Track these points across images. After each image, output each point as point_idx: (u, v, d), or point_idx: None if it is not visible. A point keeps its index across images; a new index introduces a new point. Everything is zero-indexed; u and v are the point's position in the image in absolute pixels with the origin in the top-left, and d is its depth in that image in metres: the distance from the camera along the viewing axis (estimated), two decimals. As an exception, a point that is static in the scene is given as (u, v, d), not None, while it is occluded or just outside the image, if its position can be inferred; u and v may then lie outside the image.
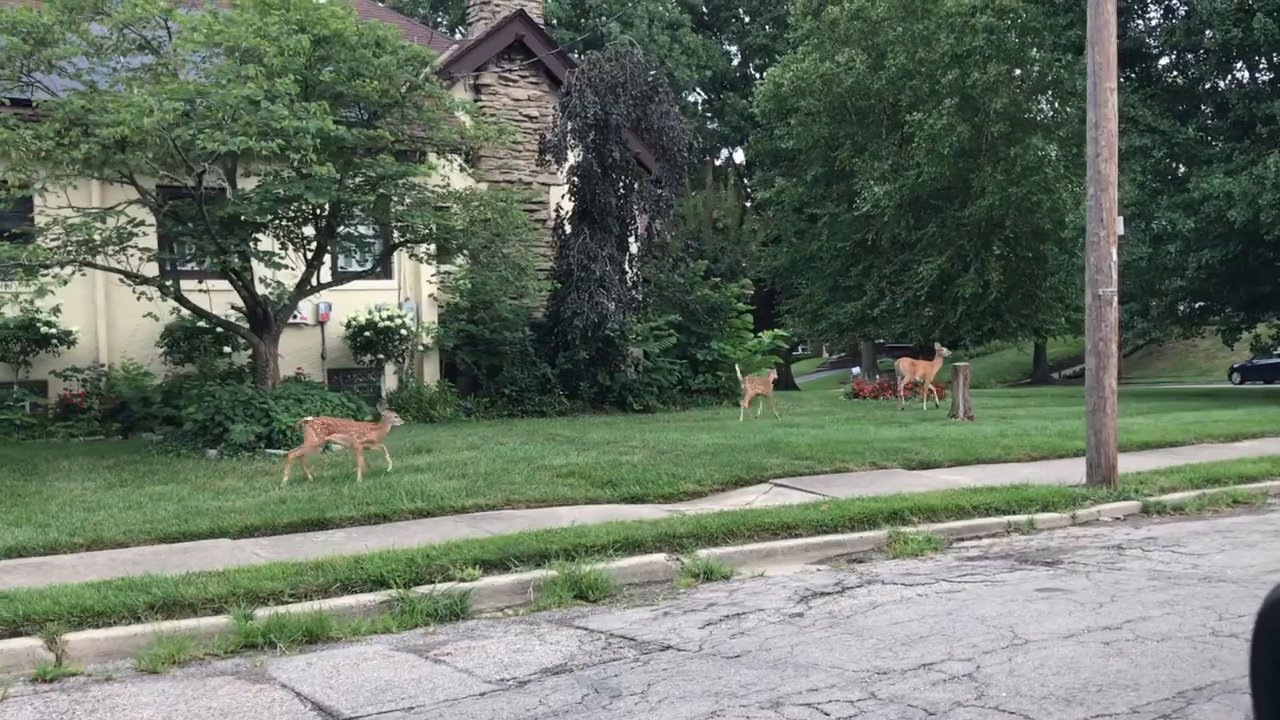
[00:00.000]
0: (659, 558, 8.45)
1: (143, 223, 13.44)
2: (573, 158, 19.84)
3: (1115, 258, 11.19)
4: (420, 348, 18.91)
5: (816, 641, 6.00)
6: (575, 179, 19.72)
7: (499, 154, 20.59)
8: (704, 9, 54.21)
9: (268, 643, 6.47)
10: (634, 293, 20.35)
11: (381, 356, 18.27)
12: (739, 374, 19.44)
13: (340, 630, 6.76)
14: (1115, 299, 11.24)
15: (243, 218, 12.94)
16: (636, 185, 20.09)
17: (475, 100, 20.95)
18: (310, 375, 17.91)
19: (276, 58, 11.39)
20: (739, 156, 55.66)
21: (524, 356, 18.82)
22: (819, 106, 39.93)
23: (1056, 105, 40.14)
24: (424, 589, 7.34)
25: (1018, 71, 39.58)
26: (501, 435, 14.73)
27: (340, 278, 16.04)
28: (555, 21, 48.72)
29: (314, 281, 14.36)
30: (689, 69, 46.77)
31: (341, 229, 15.75)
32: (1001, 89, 36.85)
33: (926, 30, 38.02)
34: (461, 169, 15.75)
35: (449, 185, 15.29)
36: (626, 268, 20.20)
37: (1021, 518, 10.06)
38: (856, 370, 46.19)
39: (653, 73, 20.14)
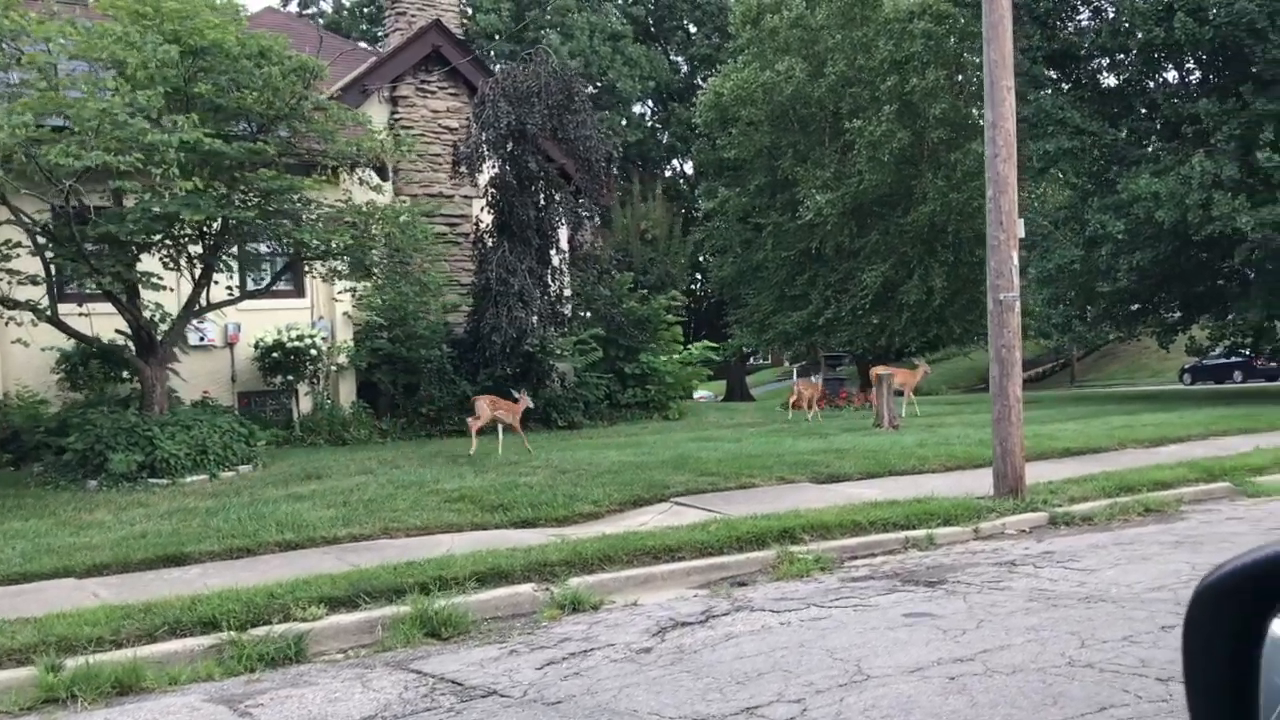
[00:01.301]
0: (526, 588, 7.98)
1: (19, 244, 12.86)
2: (492, 169, 19.34)
3: (1016, 262, 10.87)
4: (334, 367, 18.30)
5: (649, 683, 5.56)
6: (493, 191, 19.21)
7: (419, 167, 20.08)
8: (649, 20, 53.91)
9: (71, 696, 5.97)
10: (557, 306, 19.85)
11: (292, 378, 17.64)
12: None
13: (156, 680, 6.25)
14: (1017, 304, 10.92)
15: (122, 238, 12.35)
16: (557, 196, 19.61)
17: (393, 113, 20.44)
18: (220, 399, 17.27)
19: (140, 69, 10.84)
20: (689, 167, 55.37)
21: (441, 374, 18.28)
22: (760, 115, 39.65)
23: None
24: (260, 631, 6.85)
25: (959, 77, 39.47)
26: (403, 458, 14.20)
27: (242, 296, 15.44)
28: (497, 35, 48.24)
29: (203, 302, 13.78)
30: (632, 80, 46.43)
31: (247, 246, 15.17)
32: (941, 94, 36.69)
33: (865, 37, 37.85)
34: (362, 182, 15.19)
35: (349, 200, 14.76)
36: (549, 281, 19.70)
37: (920, 533, 9.68)
38: (815, 379, 45.87)
39: (572, 81, 19.58)
